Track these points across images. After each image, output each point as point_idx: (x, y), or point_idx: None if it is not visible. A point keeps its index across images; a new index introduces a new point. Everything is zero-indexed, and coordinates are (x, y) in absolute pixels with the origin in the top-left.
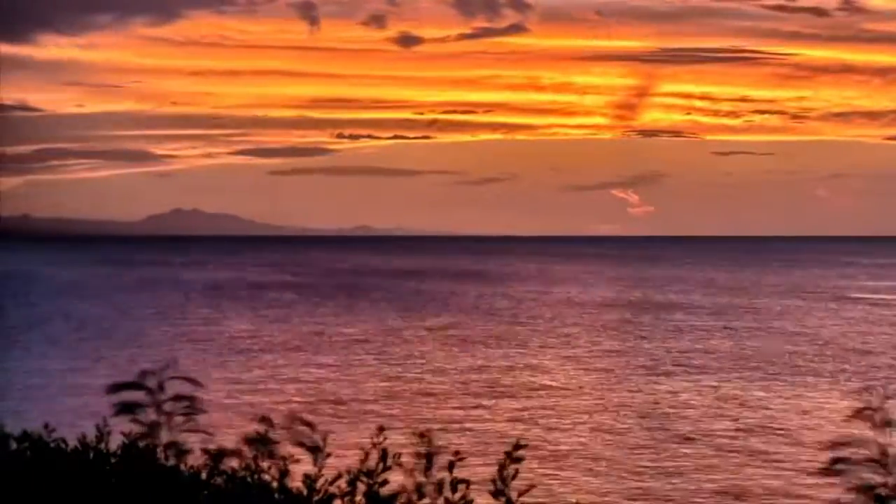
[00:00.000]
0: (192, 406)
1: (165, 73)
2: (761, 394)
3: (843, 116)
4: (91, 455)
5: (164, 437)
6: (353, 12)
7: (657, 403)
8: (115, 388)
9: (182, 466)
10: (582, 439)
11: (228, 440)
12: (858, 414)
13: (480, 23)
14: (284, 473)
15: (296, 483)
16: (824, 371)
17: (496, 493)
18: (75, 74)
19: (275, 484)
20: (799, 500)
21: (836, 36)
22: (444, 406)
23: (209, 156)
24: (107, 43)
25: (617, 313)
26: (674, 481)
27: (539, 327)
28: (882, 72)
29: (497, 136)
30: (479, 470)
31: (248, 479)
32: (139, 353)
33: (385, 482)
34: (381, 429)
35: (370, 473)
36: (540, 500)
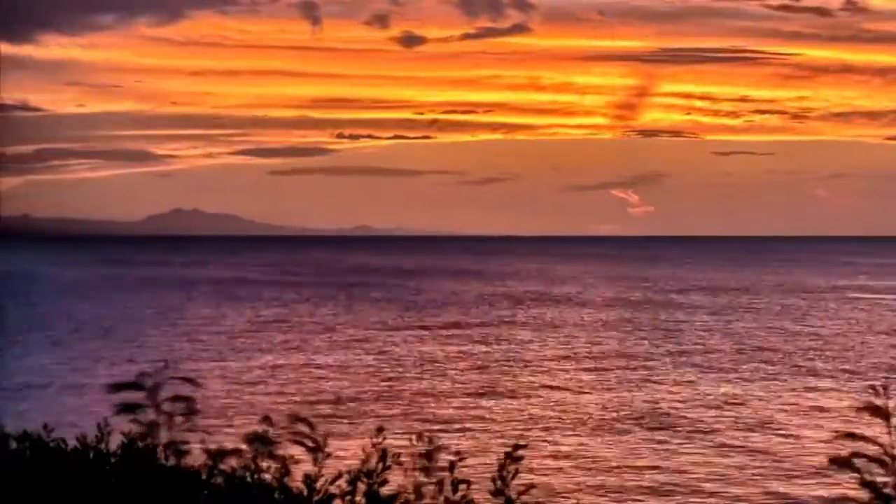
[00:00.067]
0: (191, 406)
1: (166, 72)
2: (761, 393)
3: (843, 116)
4: (91, 455)
5: (164, 437)
6: (357, 12)
7: (657, 403)
8: (115, 388)
9: (182, 466)
10: (582, 439)
11: (228, 440)
12: (859, 413)
13: (484, 23)
14: (284, 473)
15: (296, 483)
16: (824, 370)
17: (496, 493)
18: (76, 74)
19: (275, 484)
20: (799, 500)
21: (837, 36)
22: (444, 406)
23: (209, 156)
24: (107, 43)
25: (617, 313)
26: (674, 481)
27: (539, 327)
28: (882, 72)
29: (498, 136)
30: (479, 470)
31: (248, 479)
32: (139, 353)
33: (385, 482)
34: (380, 429)
35: (370, 473)
36: (540, 500)
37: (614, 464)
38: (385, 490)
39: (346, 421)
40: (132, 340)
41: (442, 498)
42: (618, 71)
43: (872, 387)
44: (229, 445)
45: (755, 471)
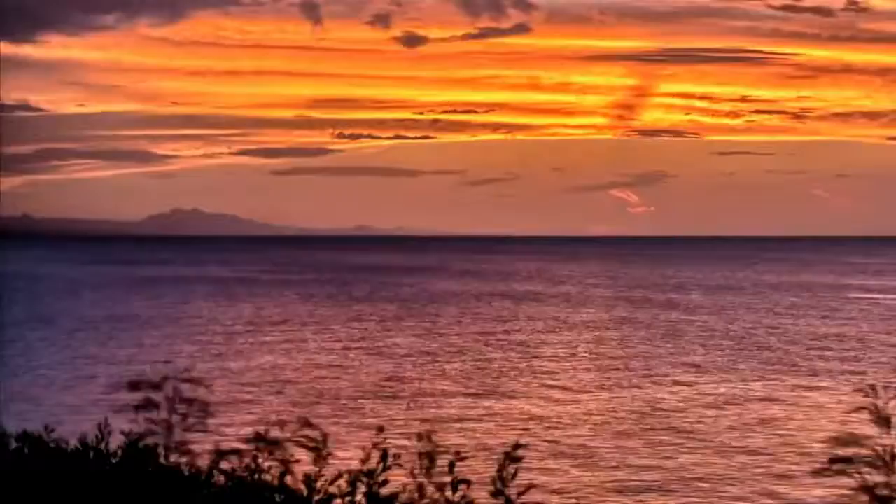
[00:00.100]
0: (192, 406)
1: (166, 73)
2: (761, 393)
3: (843, 116)
4: (91, 455)
5: (165, 437)
6: (359, 12)
7: (657, 403)
8: (133, 386)
9: (182, 466)
10: (582, 439)
11: (228, 440)
12: (858, 413)
13: (485, 23)
14: (284, 473)
15: (296, 483)
16: (824, 370)
17: (496, 493)
18: (76, 74)
19: (275, 484)
20: (799, 500)
21: (837, 36)
22: (444, 406)
23: (209, 156)
24: (107, 43)
25: (617, 312)
26: (674, 481)
27: (539, 327)
28: (883, 72)
29: (498, 136)
30: (479, 470)
31: (248, 479)
32: (139, 353)
33: (385, 482)
34: (381, 429)
35: (370, 473)
36: (540, 500)
37: (614, 464)
38: (385, 490)
39: (346, 421)
40: (132, 340)
41: (442, 498)
42: (618, 71)
43: (872, 387)
44: (229, 446)
45: (755, 471)
